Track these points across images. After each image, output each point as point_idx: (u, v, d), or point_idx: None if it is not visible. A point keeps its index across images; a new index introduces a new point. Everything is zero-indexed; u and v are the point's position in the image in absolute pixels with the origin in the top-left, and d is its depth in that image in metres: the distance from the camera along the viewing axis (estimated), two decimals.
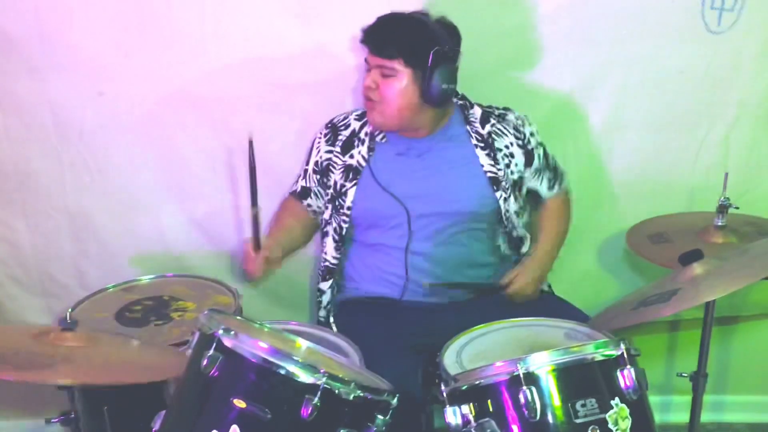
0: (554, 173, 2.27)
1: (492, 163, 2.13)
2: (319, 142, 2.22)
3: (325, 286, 2.24)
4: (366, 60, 2.07)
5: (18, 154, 2.32)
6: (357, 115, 2.20)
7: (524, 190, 2.21)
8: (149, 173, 2.36)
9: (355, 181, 2.15)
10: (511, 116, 2.17)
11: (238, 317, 1.75)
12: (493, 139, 2.14)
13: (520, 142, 2.17)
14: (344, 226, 2.17)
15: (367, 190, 2.14)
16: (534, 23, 2.27)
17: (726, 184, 2.11)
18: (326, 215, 2.23)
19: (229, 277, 2.33)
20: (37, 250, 2.42)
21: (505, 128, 2.16)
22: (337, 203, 2.18)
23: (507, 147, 2.15)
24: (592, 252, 2.53)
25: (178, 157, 2.35)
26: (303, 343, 1.75)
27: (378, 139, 2.15)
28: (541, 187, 2.25)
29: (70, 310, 2.02)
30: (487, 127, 2.14)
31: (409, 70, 2.01)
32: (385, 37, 2.02)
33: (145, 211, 2.40)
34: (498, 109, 2.19)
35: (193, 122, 2.31)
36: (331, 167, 2.19)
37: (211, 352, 1.47)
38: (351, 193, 2.15)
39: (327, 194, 2.22)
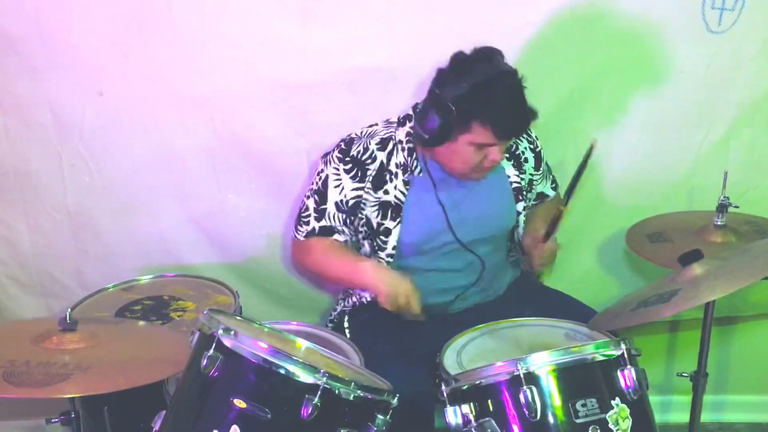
0: (553, 176, 2.33)
1: (517, 173, 2.15)
2: (339, 178, 2.05)
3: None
4: (479, 143, 1.91)
5: (18, 154, 2.32)
6: (378, 145, 2.05)
7: (533, 193, 2.25)
8: (149, 173, 2.35)
9: (398, 220, 2.04)
10: None
11: (238, 317, 1.75)
12: (516, 146, 2.16)
13: (532, 146, 2.19)
14: (389, 260, 2.07)
15: (412, 226, 2.05)
16: (533, 23, 2.27)
17: (726, 184, 2.12)
18: (365, 250, 2.12)
19: (228, 277, 2.33)
20: (37, 250, 2.42)
21: None
22: (376, 243, 2.07)
23: (523, 153, 2.17)
24: (592, 252, 2.53)
25: (178, 157, 2.35)
26: (303, 343, 1.75)
27: (416, 173, 2.04)
28: (547, 188, 2.31)
29: (69, 310, 2.01)
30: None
31: None
32: (524, 126, 2.00)
33: (145, 211, 2.39)
34: None
35: (193, 122, 2.31)
36: (361, 204, 2.05)
37: (211, 352, 1.47)
38: (395, 233, 2.04)
39: (360, 231, 2.09)
